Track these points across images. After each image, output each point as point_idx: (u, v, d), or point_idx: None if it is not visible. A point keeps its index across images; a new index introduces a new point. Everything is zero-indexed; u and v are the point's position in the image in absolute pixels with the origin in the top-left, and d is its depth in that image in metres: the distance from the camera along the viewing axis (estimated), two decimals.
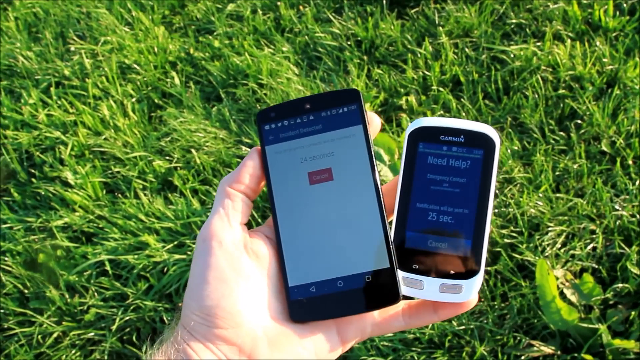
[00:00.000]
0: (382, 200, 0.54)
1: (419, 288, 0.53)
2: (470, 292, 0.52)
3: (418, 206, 0.54)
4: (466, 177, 0.54)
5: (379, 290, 0.53)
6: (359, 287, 0.53)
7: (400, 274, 0.53)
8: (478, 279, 0.52)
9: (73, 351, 1.45)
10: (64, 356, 1.43)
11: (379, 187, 0.55)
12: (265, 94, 1.85)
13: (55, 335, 1.48)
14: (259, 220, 1.56)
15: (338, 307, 0.53)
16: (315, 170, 0.56)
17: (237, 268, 0.52)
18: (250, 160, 0.56)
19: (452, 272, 0.53)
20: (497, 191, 1.50)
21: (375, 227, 0.54)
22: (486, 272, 1.39)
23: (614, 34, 1.75)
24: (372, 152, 0.55)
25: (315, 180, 0.56)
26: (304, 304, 0.53)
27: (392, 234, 0.54)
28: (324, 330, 0.54)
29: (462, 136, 0.55)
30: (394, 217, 0.55)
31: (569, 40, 1.76)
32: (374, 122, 0.57)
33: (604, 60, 1.69)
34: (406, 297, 0.54)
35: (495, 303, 1.35)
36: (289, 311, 0.53)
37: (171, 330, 0.53)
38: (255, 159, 0.56)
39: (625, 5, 1.81)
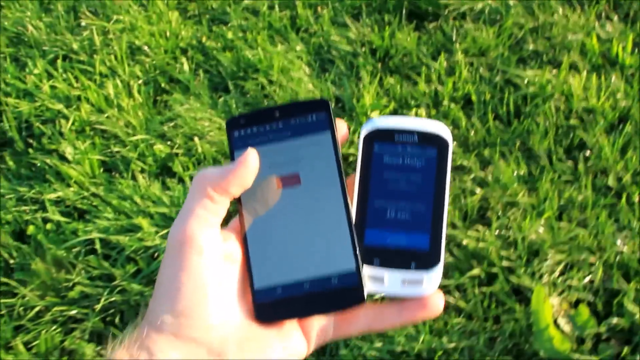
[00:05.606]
0: (348, 203, 0.55)
1: (381, 284, 0.54)
2: (431, 284, 0.53)
3: (376, 205, 0.56)
4: (421, 174, 0.56)
5: (344, 292, 0.54)
6: (325, 289, 0.54)
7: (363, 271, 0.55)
8: (438, 271, 0.54)
9: (54, 327, 1.42)
10: (44, 331, 1.40)
11: (346, 191, 0.56)
12: (274, 91, 1.83)
13: (37, 309, 1.45)
14: None
15: (304, 308, 0.54)
16: (283, 175, 0.56)
17: (213, 272, 0.52)
18: (243, 170, 0.54)
19: (412, 265, 0.54)
20: (499, 213, 1.49)
21: (341, 230, 0.55)
22: (481, 293, 1.37)
23: (630, 72, 1.75)
24: (340, 158, 0.56)
25: (283, 184, 0.56)
26: (270, 306, 0.54)
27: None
28: (291, 330, 0.54)
29: (415, 135, 0.57)
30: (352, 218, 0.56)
31: (584, 72, 1.75)
32: (342, 129, 0.58)
33: (618, 95, 1.69)
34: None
35: (487, 324, 1.33)
36: (255, 312, 0.54)
37: (134, 327, 0.52)
38: (248, 167, 0.54)
39: None
